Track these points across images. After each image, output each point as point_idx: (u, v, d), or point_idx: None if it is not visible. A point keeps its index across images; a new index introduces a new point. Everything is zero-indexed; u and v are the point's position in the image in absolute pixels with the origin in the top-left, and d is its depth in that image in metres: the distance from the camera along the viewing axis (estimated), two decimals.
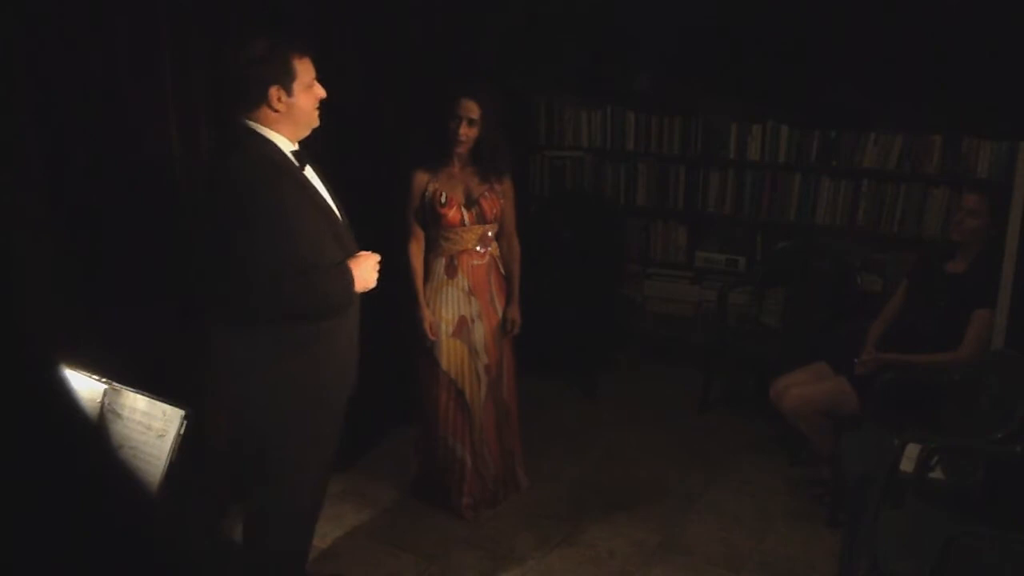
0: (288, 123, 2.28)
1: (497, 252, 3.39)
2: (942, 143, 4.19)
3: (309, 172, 2.36)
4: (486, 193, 3.23)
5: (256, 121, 2.26)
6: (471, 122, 3.13)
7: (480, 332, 3.32)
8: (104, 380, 1.97)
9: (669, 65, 4.73)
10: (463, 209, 3.20)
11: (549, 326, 4.28)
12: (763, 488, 3.66)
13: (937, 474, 2.78)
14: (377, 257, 2.42)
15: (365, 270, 2.38)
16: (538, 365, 4.29)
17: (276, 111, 2.24)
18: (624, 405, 4.46)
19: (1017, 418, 2.63)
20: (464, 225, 3.22)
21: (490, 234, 3.32)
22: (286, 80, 2.23)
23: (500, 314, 3.40)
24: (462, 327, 3.29)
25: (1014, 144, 3.78)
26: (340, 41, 3.39)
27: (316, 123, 2.35)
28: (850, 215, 4.45)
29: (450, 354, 3.30)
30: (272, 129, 2.27)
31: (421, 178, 3.20)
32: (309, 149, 2.38)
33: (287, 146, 2.30)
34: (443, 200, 3.17)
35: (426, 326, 3.25)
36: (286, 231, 2.20)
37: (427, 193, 3.19)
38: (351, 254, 2.39)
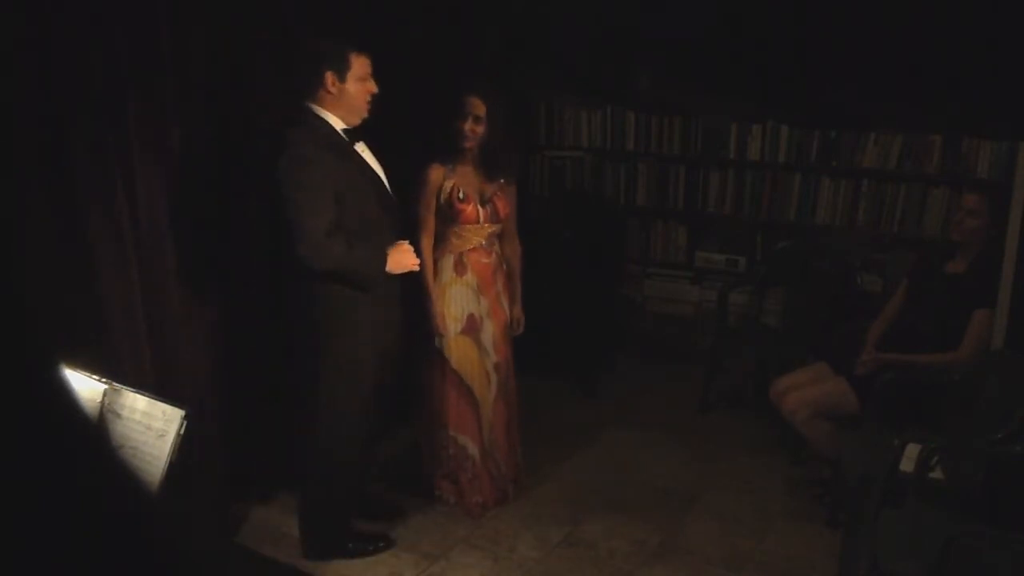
0: (340, 107, 2.76)
1: (500, 252, 3.41)
2: (942, 143, 4.19)
3: (361, 147, 2.84)
4: (498, 193, 3.27)
5: (315, 103, 2.74)
6: (477, 119, 3.15)
7: (489, 330, 3.34)
8: (104, 380, 1.97)
9: (669, 65, 4.73)
10: (479, 207, 3.22)
11: (549, 326, 4.28)
12: (763, 488, 3.66)
13: (937, 474, 2.78)
14: (406, 242, 2.89)
15: (399, 252, 2.85)
16: (538, 365, 4.29)
17: (330, 93, 2.72)
18: (624, 405, 4.46)
19: (1017, 418, 2.63)
20: (478, 223, 3.24)
21: (496, 234, 3.34)
22: (340, 69, 2.71)
23: (507, 312, 3.42)
24: (471, 325, 3.30)
25: (1014, 144, 3.78)
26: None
27: (365, 114, 2.81)
28: (850, 215, 4.45)
29: (459, 352, 3.30)
30: (327, 110, 2.75)
31: (437, 173, 3.20)
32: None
33: (339, 124, 2.78)
34: (461, 196, 3.19)
35: (439, 320, 3.26)
36: (332, 194, 2.67)
37: (444, 188, 3.20)
38: (394, 218, 2.91)
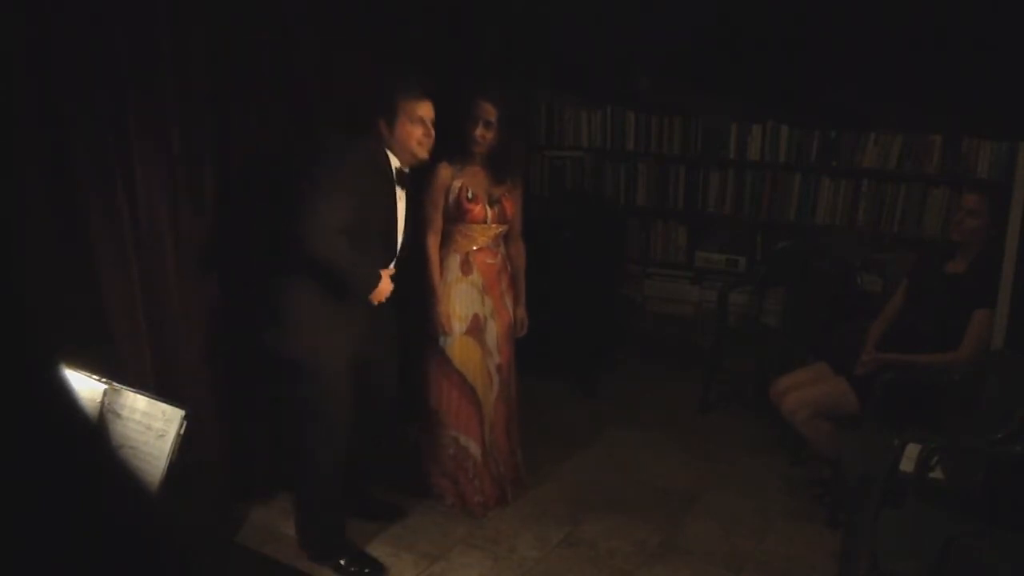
0: (394, 147, 2.91)
1: (505, 253, 3.41)
2: (942, 143, 4.19)
3: (400, 192, 2.94)
4: (506, 194, 3.29)
5: (383, 138, 2.91)
6: (487, 124, 3.17)
7: (493, 331, 3.35)
8: (104, 380, 1.97)
9: (669, 65, 4.73)
10: (487, 207, 3.23)
11: (549, 326, 4.28)
12: (763, 488, 3.66)
13: (937, 474, 2.78)
14: (387, 278, 2.92)
15: (384, 283, 2.90)
16: (538, 365, 4.29)
17: (383, 135, 2.89)
18: (624, 405, 4.46)
19: (1017, 418, 2.63)
20: (486, 223, 3.26)
21: (502, 235, 3.36)
22: (389, 116, 2.88)
23: (511, 314, 3.42)
24: (475, 325, 3.31)
25: (1014, 144, 3.78)
26: (341, 42, 3.39)
27: (420, 156, 2.93)
28: (850, 215, 4.45)
29: (463, 351, 3.31)
30: (388, 148, 2.91)
31: (446, 172, 3.22)
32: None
33: (395, 163, 2.92)
34: (470, 195, 3.21)
35: (444, 319, 3.26)
36: (355, 206, 2.75)
37: (452, 188, 3.22)
38: (386, 258, 2.94)
